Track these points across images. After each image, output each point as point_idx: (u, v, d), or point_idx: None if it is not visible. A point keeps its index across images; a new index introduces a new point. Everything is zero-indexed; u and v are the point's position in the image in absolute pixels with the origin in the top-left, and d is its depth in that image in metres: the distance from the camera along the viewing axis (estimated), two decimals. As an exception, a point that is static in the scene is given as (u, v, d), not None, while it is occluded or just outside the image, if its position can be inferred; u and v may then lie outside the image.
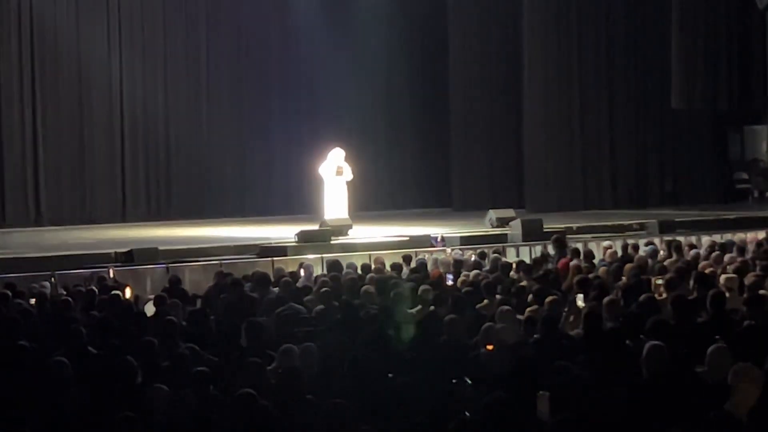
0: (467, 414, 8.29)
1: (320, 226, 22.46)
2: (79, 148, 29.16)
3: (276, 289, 14.73)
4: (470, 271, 15.78)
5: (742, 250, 17.08)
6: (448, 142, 32.73)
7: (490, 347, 9.89)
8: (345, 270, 16.32)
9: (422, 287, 13.80)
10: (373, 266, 16.80)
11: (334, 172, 23.81)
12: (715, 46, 30.71)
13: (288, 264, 18.54)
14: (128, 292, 15.26)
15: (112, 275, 17.40)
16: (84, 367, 9.90)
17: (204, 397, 8.72)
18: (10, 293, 14.40)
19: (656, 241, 20.53)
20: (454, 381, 9.26)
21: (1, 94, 28.25)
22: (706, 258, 16.58)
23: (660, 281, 13.90)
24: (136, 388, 9.17)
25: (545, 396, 8.17)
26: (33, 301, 14.15)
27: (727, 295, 12.36)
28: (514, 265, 16.38)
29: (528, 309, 12.39)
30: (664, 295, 13.07)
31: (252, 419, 7.92)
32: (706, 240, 21.19)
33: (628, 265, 15.47)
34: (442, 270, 16.35)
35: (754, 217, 25.26)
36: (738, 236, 20.78)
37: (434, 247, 21.13)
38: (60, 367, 9.61)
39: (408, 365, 9.78)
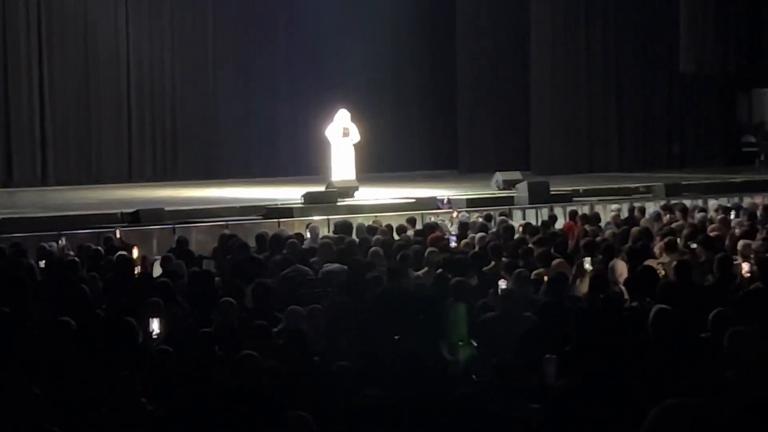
0: (474, 377, 8.27)
1: (327, 188, 22.40)
2: (85, 108, 29.10)
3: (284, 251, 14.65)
4: (476, 233, 15.72)
5: (751, 214, 17.01)
6: (454, 104, 32.61)
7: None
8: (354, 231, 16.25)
9: (429, 249, 13.75)
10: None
11: (341, 134, 23.76)
12: (725, 8, 30.54)
13: (294, 225, 18.53)
14: (135, 253, 15.19)
15: (118, 236, 17.35)
16: (89, 328, 9.86)
17: (209, 357, 8.70)
18: (16, 252, 14.38)
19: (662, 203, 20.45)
20: (460, 343, 9.23)
21: (8, 53, 28.15)
22: (713, 221, 16.54)
23: (662, 244, 13.82)
24: (137, 349, 9.14)
25: (552, 359, 8.14)
26: (42, 262, 14.10)
27: (737, 260, 12.31)
28: (520, 228, 16.33)
29: (535, 272, 12.35)
30: (667, 259, 13.01)
31: (257, 381, 7.89)
32: (712, 203, 21.12)
33: (634, 229, 15.42)
34: (443, 232, 16.26)
35: (761, 181, 25.16)
36: (747, 200, 20.72)
37: (440, 209, 21.08)
38: (65, 327, 9.57)
39: (414, 328, 9.74)
